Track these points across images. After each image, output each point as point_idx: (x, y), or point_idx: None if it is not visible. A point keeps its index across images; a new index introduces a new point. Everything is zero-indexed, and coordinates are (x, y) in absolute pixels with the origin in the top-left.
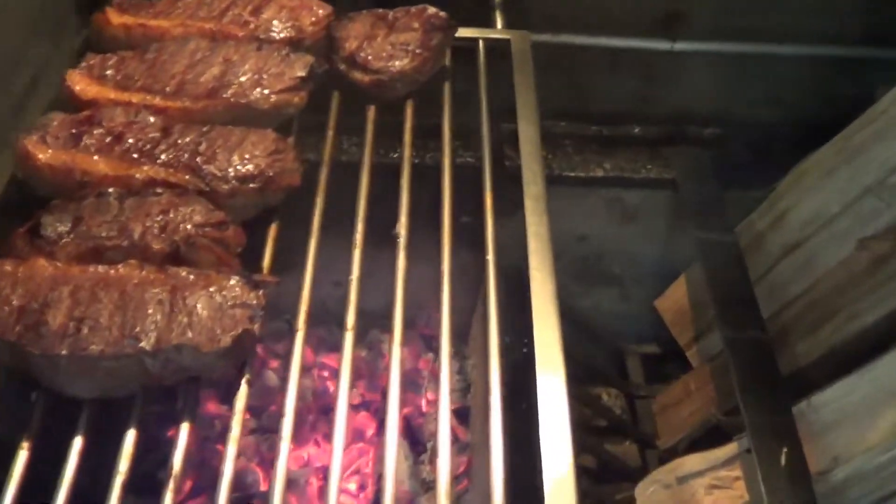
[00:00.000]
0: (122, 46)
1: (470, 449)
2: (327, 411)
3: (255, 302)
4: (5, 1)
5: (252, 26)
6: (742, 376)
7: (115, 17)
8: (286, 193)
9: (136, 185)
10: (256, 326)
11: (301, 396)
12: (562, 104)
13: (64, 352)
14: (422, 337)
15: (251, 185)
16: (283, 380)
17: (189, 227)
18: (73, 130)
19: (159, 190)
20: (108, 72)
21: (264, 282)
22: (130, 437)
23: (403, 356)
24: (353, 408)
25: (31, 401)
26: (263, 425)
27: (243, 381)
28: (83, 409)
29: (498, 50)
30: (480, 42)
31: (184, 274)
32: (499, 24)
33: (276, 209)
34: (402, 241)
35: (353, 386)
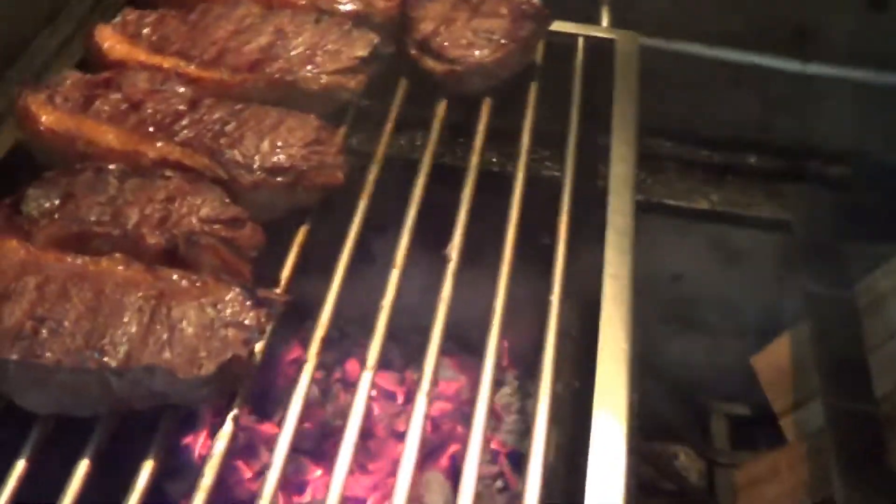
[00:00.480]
0: (169, 6)
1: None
2: (367, 436)
3: (253, 322)
4: None
5: None
6: (843, 462)
7: None
8: (323, 193)
9: (145, 163)
10: (251, 353)
11: (339, 414)
12: (668, 121)
13: (13, 356)
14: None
15: (279, 179)
16: (325, 393)
17: (193, 220)
18: (87, 93)
19: (169, 173)
20: (144, 30)
21: (270, 299)
22: (82, 467)
23: (461, 385)
24: (397, 436)
25: None
26: (294, 442)
27: (229, 418)
28: (34, 427)
29: (599, 51)
30: (580, 39)
31: (175, 277)
32: (604, 22)
33: (309, 210)
34: (451, 266)
35: (400, 412)
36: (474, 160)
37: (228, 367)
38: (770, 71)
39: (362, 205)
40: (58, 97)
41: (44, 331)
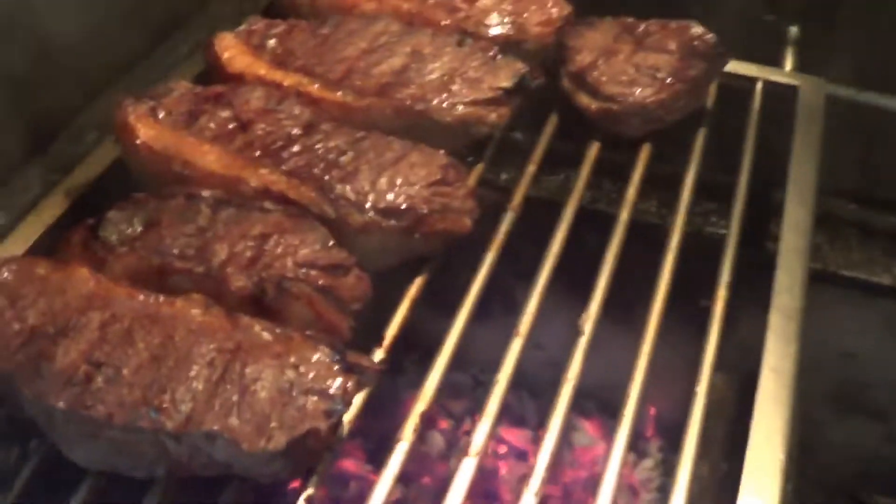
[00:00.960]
0: (305, 15)
1: None
2: (490, 496)
3: (339, 392)
4: None
5: (462, 15)
6: None
7: None
8: (444, 241)
9: (245, 192)
10: (332, 428)
11: None
12: (852, 182)
13: (61, 404)
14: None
15: (393, 222)
16: (450, 445)
17: (288, 262)
18: (193, 107)
19: (269, 205)
20: (270, 42)
21: (362, 366)
22: None
23: (597, 453)
24: None
25: (27, 450)
26: (408, 498)
27: (301, 500)
28: (84, 483)
29: (779, 97)
30: (758, 84)
31: (256, 329)
32: (787, 65)
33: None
34: (582, 341)
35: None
36: (624, 214)
37: (303, 442)
38: None
39: (490, 257)
40: (161, 110)
41: (99, 378)
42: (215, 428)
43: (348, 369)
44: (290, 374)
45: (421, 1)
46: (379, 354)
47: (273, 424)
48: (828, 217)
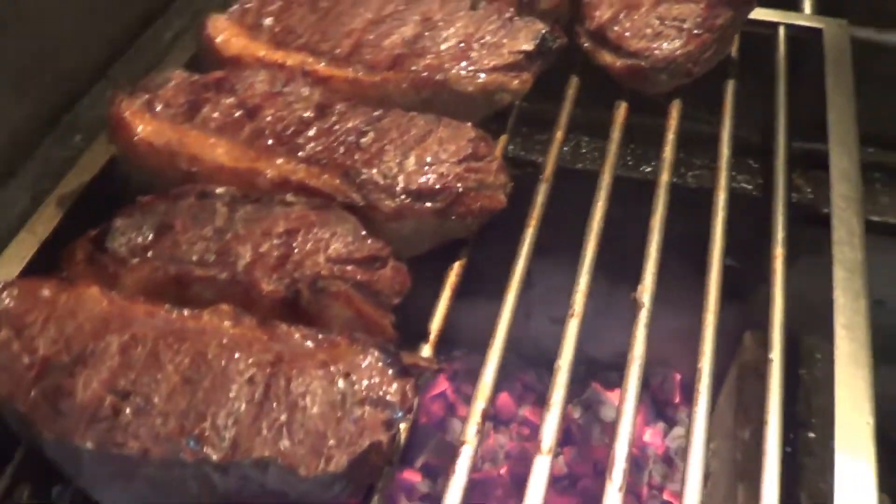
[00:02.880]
0: None
1: None
2: (520, 482)
3: (396, 398)
4: None
5: None
6: None
7: None
8: (480, 220)
9: (262, 185)
10: (391, 439)
11: (491, 457)
12: (874, 125)
13: (88, 444)
14: (653, 402)
15: (428, 205)
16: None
17: (321, 259)
18: (193, 97)
19: (291, 198)
20: (266, 21)
21: (419, 366)
22: None
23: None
24: (555, 481)
25: (49, 499)
26: (438, 493)
27: None
28: None
29: (802, 43)
30: (781, 29)
31: (297, 337)
32: (807, 9)
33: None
34: (643, 315)
35: (556, 453)
36: (665, 176)
37: (365, 459)
38: None
39: (530, 233)
40: (158, 103)
41: (127, 410)
42: (266, 454)
43: (404, 372)
44: (341, 383)
45: None
46: (426, 351)
47: (330, 443)
48: None
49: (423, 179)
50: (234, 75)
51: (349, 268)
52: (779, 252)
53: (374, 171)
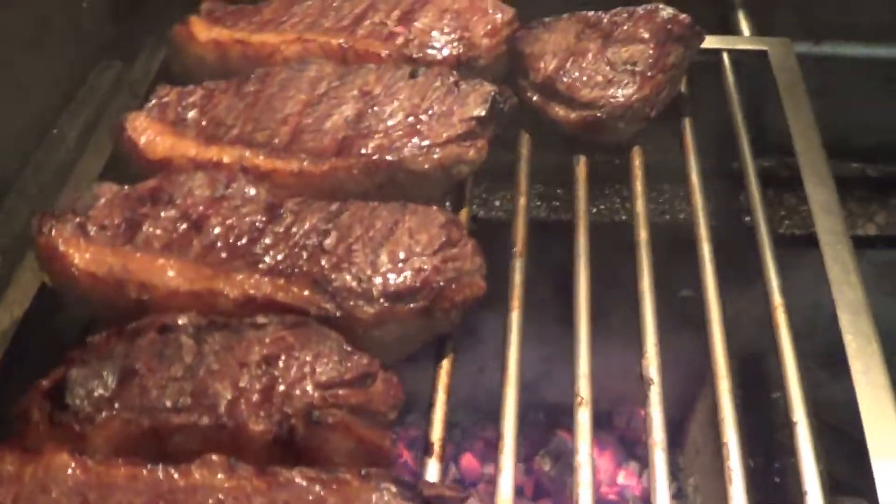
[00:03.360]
0: (213, 73)
1: None
2: None
3: None
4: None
5: (400, 41)
6: None
7: (203, 30)
8: (463, 312)
9: (225, 306)
10: None
11: None
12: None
13: None
14: (622, 441)
15: (411, 306)
16: None
17: (309, 387)
18: (129, 214)
19: (262, 318)
20: (190, 114)
21: (444, 498)
22: None
23: (596, 467)
24: None
25: None
26: None
27: None
28: None
29: (745, 66)
30: (725, 55)
31: (302, 482)
32: (744, 31)
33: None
34: (654, 390)
35: None
36: (643, 233)
37: None
38: None
39: (515, 317)
40: (91, 225)
41: None
42: None
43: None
44: None
45: (349, 33)
46: (433, 465)
47: None
48: (790, 176)
49: (399, 279)
50: (168, 182)
51: (341, 391)
52: (778, 302)
53: (346, 275)
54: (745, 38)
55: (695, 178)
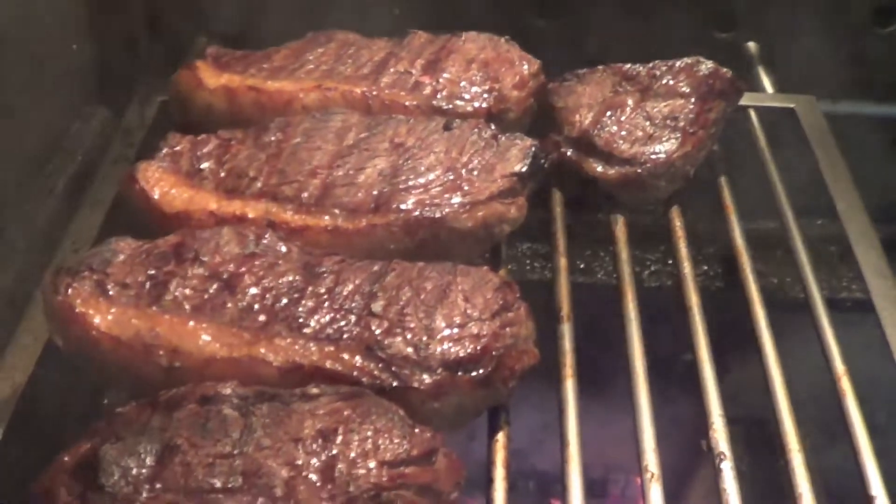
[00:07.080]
0: (221, 122)
1: None
2: None
3: None
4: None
5: (427, 91)
6: None
7: (212, 77)
8: (518, 382)
9: (268, 375)
10: None
11: None
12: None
13: None
14: None
15: (472, 375)
16: None
17: (372, 467)
18: (153, 272)
19: (315, 389)
20: (206, 164)
21: None
22: None
23: None
24: None
25: None
26: None
27: None
28: None
29: (770, 123)
30: (752, 112)
31: None
32: (768, 88)
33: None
34: (727, 465)
35: None
36: (694, 298)
37: None
38: None
39: (570, 385)
40: (111, 283)
41: None
42: None
43: None
44: None
45: (372, 81)
46: None
47: None
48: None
49: (458, 346)
50: (192, 238)
51: (408, 470)
52: (842, 371)
53: (401, 342)
54: (771, 94)
55: (739, 240)
